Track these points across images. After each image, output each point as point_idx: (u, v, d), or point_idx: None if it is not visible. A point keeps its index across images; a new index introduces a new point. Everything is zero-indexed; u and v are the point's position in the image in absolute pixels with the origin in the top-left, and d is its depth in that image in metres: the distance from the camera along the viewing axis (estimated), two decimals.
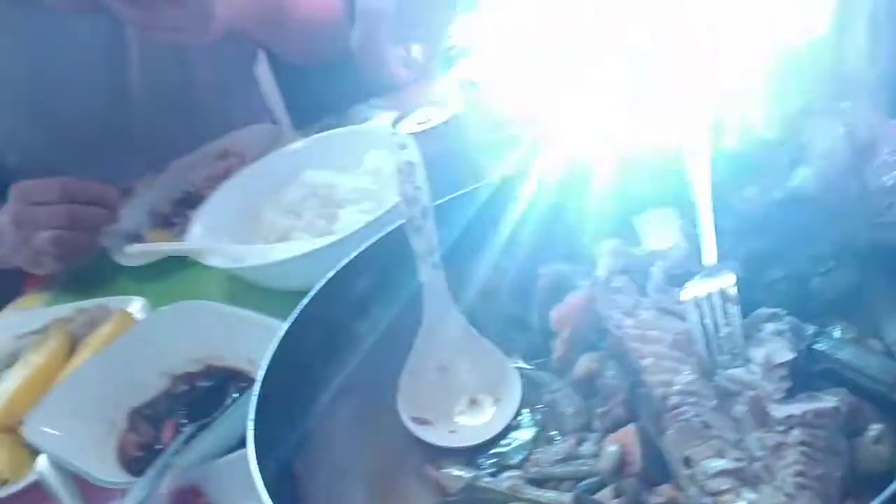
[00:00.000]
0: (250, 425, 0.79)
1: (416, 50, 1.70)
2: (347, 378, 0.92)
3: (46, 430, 1.04)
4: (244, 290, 1.35)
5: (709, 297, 0.74)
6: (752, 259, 0.79)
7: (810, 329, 0.71)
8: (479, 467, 0.81)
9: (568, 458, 0.77)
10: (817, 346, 0.70)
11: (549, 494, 0.73)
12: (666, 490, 0.67)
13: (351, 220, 1.28)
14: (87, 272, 1.54)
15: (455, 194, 0.99)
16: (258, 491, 0.72)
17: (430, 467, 0.83)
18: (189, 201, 1.59)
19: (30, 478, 1.05)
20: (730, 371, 0.69)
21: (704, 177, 0.83)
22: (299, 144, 1.47)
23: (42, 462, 1.00)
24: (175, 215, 1.60)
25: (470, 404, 0.89)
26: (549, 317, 0.88)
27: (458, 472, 0.79)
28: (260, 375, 0.85)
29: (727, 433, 0.65)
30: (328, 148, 1.43)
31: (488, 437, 0.84)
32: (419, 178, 0.96)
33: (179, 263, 1.40)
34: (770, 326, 0.72)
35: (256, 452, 0.77)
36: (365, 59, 1.73)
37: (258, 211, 1.37)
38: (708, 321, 0.73)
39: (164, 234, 1.54)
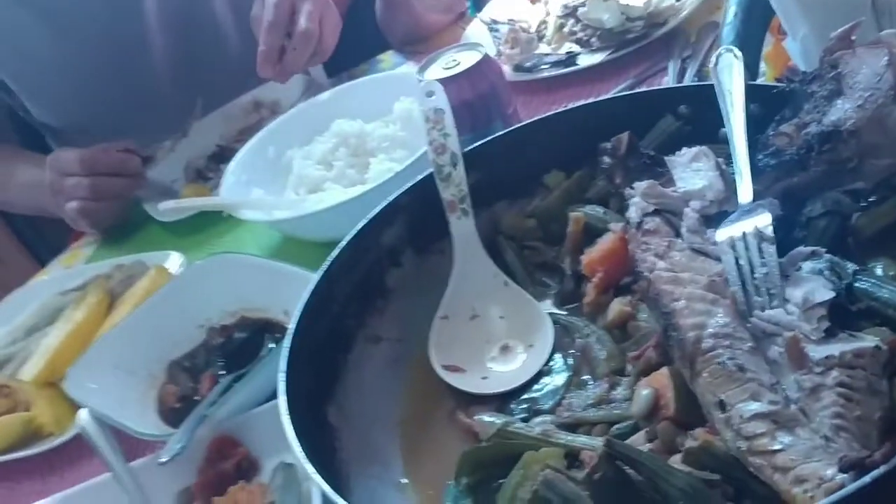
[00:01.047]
0: (282, 375, 0.79)
1: None
2: (379, 327, 0.92)
3: (87, 384, 1.06)
4: (279, 242, 1.35)
5: (744, 236, 0.72)
6: (789, 196, 0.76)
7: (850, 267, 0.68)
8: (511, 413, 0.80)
9: (600, 403, 0.76)
10: (858, 285, 0.67)
11: (581, 439, 0.72)
12: (700, 434, 0.65)
13: (382, 168, 1.27)
14: (126, 228, 1.56)
15: (485, 140, 0.98)
16: (288, 439, 0.72)
17: (461, 414, 0.83)
18: (223, 155, 1.59)
19: (72, 431, 1.07)
20: (766, 312, 0.67)
21: (739, 112, 0.80)
22: (328, 94, 1.46)
23: (83, 416, 1.02)
24: (210, 169, 1.60)
25: (502, 351, 0.88)
26: (580, 261, 0.87)
27: (490, 419, 0.78)
28: (292, 326, 0.85)
29: (763, 376, 0.64)
30: (357, 96, 1.41)
31: (520, 382, 0.83)
32: (448, 125, 0.94)
33: (215, 217, 1.41)
34: (809, 265, 0.70)
35: (289, 401, 0.77)
36: (390, 19, 1.70)
37: (289, 163, 1.36)
38: (743, 261, 0.70)
39: (199, 189, 1.54)
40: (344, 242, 0.91)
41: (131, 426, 0.97)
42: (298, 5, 1.43)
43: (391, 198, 0.94)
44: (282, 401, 0.76)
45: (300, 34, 1.43)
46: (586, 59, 1.32)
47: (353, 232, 0.92)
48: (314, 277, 0.89)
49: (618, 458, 0.64)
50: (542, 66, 1.36)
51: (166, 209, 1.31)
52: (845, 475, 0.54)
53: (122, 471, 0.95)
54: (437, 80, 1.01)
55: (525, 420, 0.78)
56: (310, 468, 0.69)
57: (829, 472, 0.55)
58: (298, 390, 0.80)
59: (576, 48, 1.37)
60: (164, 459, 0.88)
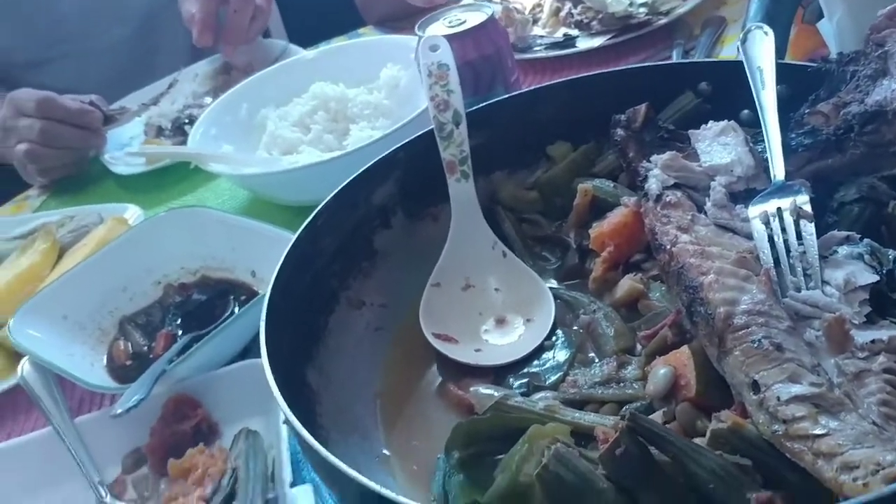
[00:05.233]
0: (263, 328, 0.72)
1: None
2: (362, 291, 0.85)
3: (31, 332, 0.97)
4: (244, 203, 1.28)
5: (779, 213, 0.67)
6: (821, 179, 0.72)
7: (892, 253, 0.64)
8: (509, 387, 0.74)
9: (609, 381, 0.70)
10: None
11: (591, 416, 0.67)
12: (728, 416, 0.60)
13: (363, 136, 1.20)
14: (80, 180, 1.46)
15: (488, 102, 0.92)
16: (273, 393, 0.65)
17: (452, 386, 0.76)
18: (189, 115, 1.50)
19: (11, 381, 0.97)
20: (803, 293, 0.63)
21: (770, 88, 0.76)
22: (311, 54, 1.39)
23: (26, 365, 0.93)
24: (172, 129, 1.51)
25: (497, 323, 0.82)
26: (587, 235, 0.82)
27: (488, 391, 0.72)
28: (272, 279, 0.77)
29: (803, 357, 0.59)
30: (342, 60, 1.34)
31: (518, 356, 0.77)
32: (452, 82, 0.88)
33: (177, 174, 1.32)
34: (845, 249, 0.66)
35: (270, 358, 0.70)
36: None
37: (263, 122, 1.29)
38: (778, 239, 0.66)
39: (160, 144, 1.45)
40: (332, 195, 0.85)
41: (79, 377, 0.88)
42: None
43: (387, 152, 0.88)
44: (264, 355, 0.69)
45: None
46: (585, 43, 1.27)
47: (343, 184, 0.85)
48: (299, 230, 0.82)
49: (641, 435, 0.59)
50: (537, 48, 1.31)
51: (131, 154, 1.22)
52: None
53: (65, 425, 0.86)
54: (442, 35, 0.94)
55: (524, 395, 0.72)
56: (296, 424, 0.62)
57: (889, 457, 0.51)
58: (278, 347, 0.73)
59: (571, 32, 1.32)
60: (119, 411, 0.80)
